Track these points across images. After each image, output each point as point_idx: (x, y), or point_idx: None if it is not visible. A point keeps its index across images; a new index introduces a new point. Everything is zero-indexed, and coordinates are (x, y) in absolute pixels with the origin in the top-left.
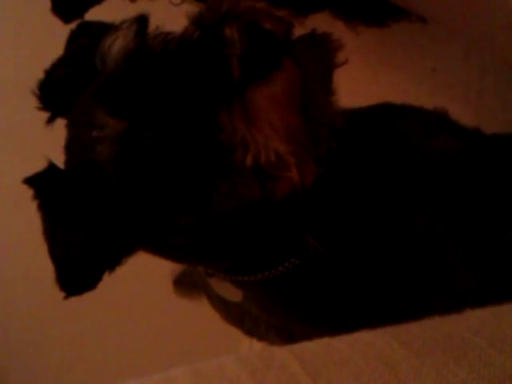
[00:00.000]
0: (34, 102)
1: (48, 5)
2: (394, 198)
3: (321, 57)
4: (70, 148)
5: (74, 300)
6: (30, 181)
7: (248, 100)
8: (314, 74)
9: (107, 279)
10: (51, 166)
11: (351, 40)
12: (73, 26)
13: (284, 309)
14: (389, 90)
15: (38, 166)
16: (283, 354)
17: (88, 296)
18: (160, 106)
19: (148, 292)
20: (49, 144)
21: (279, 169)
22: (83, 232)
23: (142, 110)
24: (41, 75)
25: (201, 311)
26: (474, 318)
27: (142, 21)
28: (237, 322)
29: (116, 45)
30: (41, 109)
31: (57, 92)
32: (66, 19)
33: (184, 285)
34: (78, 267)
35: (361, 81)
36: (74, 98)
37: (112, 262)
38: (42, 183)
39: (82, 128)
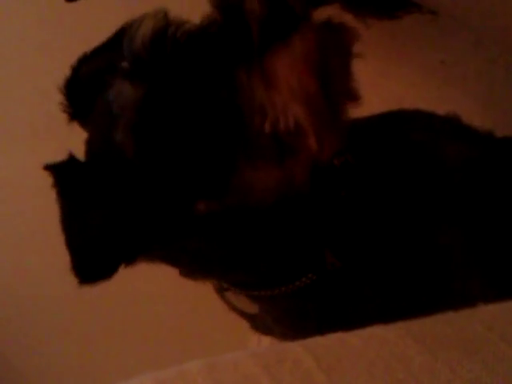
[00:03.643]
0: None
1: None
2: (412, 208)
3: (338, 44)
4: (89, 140)
5: (86, 293)
6: (50, 167)
7: (266, 63)
8: (332, 55)
9: (122, 276)
10: (71, 158)
11: (359, 32)
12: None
13: (299, 323)
14: (397, 82)
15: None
16: (297, 349)
17: (102, 289)
18: (178, 69)
19: (158, 287)
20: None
21: (297, 137)
22: (101, 218)
23: (160, 74)
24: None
25: (210, 306)
26: (487, 313)
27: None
28: (248, 319)
29: (144, 24)
30: (66, 106)
31: (82, 90)
32: None
33: None
34: (95, 253)
35: (369, 73)
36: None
37: (129, 253)
38: (62, 171)
39: (101, 117)
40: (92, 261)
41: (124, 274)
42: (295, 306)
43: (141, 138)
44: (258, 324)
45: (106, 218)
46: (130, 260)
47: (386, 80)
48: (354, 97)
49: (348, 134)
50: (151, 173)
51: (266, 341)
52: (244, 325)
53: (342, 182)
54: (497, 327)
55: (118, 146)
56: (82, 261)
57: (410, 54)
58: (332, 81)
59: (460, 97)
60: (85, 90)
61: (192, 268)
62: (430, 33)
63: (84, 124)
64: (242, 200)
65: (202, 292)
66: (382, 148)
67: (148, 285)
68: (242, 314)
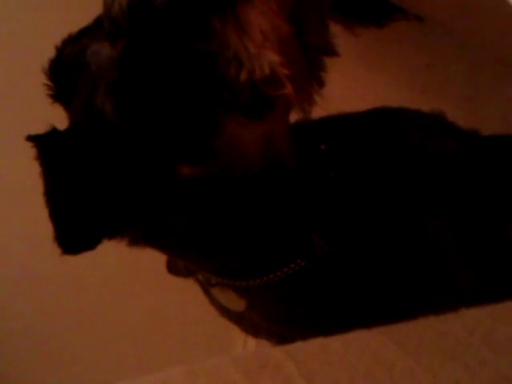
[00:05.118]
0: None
1: None
2: (399, 199)
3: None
4: (72, 113)
5: (69, 301)
6: (32, 139)
7: (239, 10)
8: (308, 7)
9: (103, 281)
10: (53, 129)
11: (345, 37)
12: None
13: (287, 315)
14: (382, 86)
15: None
16: (278, 355)
17: (82, 296)
18: (155, 27)
19: (141, 292)
20: None
21: (274, 86)
22: (84, 188)
23: (137, 33)
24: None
25: (195, 310)
26: (469, 317)
27: None
28: (236, 321)
29: None
30: (50, 87)
31: (66, 72)
32: None
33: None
34: (78, 224)
35: (354, 77)
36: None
37: (112, 223)
38: (45, 143)
39: (82, 86)
40: (75, 231)
41: (107, 276)
42: (283, 297)
43: (120, 97)
44: (246, 324)
45: (88, 187)
46: (113, 232)
47: (371, 84)
48: (331, 52)
49: (335, 123)
50: (131, 133)
51: (252, 345)
52: (228, 331)
53: (329, 164)
54: (478, 332)
55: (98, 110)
56: (65, 231)
57: (395, 58)
58: (308, 33)
59: (445, 100)
60: (68, 71)
61: (177, 251)
62: (414, 37)
63: (67, 106)
64: (226, 164)
65: (186, 297)
66: (371, 137)
67: (131, 292)
68: (229, 314)
